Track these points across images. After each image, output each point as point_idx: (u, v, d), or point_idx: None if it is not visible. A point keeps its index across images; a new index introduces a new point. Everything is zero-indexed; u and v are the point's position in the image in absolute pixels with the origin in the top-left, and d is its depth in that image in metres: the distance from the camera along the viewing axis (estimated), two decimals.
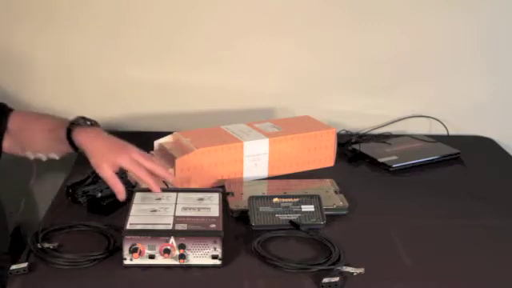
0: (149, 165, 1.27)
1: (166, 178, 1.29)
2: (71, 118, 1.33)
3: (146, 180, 1.25)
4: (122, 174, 1.30)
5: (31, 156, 1.37)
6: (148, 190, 1.28)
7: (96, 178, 1.38)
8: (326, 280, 1.11)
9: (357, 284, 1.13)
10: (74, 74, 1.83)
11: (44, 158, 1.37)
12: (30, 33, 1.77)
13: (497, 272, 1.20)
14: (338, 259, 1.18)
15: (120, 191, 1.24)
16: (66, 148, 1.32)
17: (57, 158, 1.37)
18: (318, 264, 1.17)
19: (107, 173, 1.24)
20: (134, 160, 1.26)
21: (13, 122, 1.36)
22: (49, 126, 1.34)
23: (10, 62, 1.80)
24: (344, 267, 1.16)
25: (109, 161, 1.25)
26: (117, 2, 1.76)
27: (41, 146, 1.35)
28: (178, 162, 1.43)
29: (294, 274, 1.15)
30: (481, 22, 1.84)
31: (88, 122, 1.32)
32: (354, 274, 1.15)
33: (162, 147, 1.54)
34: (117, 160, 1.25)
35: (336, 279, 1.11)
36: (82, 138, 1.28)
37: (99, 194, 1.36)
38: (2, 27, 1.76)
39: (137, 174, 1.25)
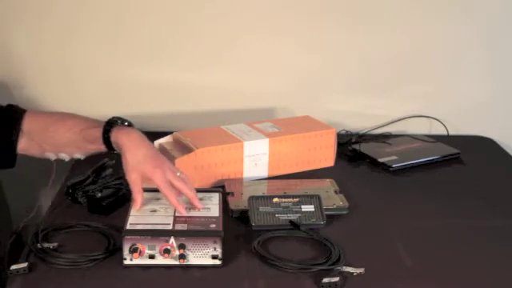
0: (179, 185, 1.25)
1: (193, 203, 1.25)
2: (105, 119, 1.31)
3: (173, 202, 1.23)
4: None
5: (53, 157, 1.35)
6: (148, 191, 1.27)
7: (96, 178, 1.39)
8: (326, 280, 1.11)
9: (357, 284, 1.13)
10: (74, 74, 1.83)
11: (67, 159, 1.35)
12: (29, 33, 1.77)
13: (497, 272, 1.20)
14: (338, 259, 1.18)
15: (137, 202, 1.23)
16: (97, 148, 1.30)
17: (82, 158, 1.36)
18: (318, 264, 1.17)
19: (135, 182, 1.23)
20: (166, 179, 1.24)
21: (28, 123, 1.33)
22: (80, 126, 1.32)
23: (10, 62, 1.80)
24: (344, 267, 1.16)
25: (142, 173, 1.23)
26: (117, 2, 1.76)
27: (67, 145, 1.32)
28: (178, 161, 1.43)
29: (293, 274, 1.15)
30: (481, 22, 1.84)
31: (126, 123, 1.31)
32: (354, 274, 1.15)
33: (162, 147, 1.54)
34: (149, 175, 1.23)
35: (336, 279, 1.11)
36: (123, 139, 1.26)
37: (99, 194, 1.36)
38: (2, 27, 1.76)
39: (165, 194, 1.23)
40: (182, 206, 1.23)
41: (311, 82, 1.88)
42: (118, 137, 1.27)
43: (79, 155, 1.35)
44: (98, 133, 1.28)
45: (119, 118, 1.31)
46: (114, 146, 1.28)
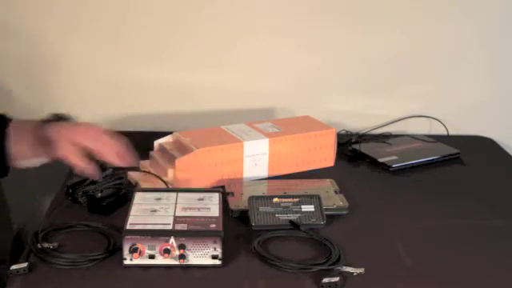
0: (111, 143, 1.21)
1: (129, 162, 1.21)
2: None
3: (111, 159, 1.19)
4: (102, 164, 1.25)
5: (25, 164, 1.29)
6: (148, 191, 1.27)
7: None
8: (326, 280, 1.11)
9: (357, 284, 1.13)
10: (74, 74, 1.83)
11: (37, 164, 1.30)
12: (29, 33, 1.77)
13: (497, 272, 1.20)
14: (338, 259, 1.18)
15: (86, 170, 1.18)
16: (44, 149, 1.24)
17: (45, 161, 1.29)
18: (318, 264, 1.17)
19: (65, 151, 1.17)
20: (96, 138, 1.19)
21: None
22: (30, 130, 1.25)
23: (10, 62, 1.80)
24: (344, 267, 1.16)
25: (67, 138, 1.17)
26: (117, 2, 1.76)
27: (27, 151, 1.26)
28: (177, 161, 1.43)
29: (293, 274, 1.15)
30: (481, 22, 1.84)
31: (62, 119, 1.25)
32: (354, 274, 1.15)
33: (162, 147, 1.54)
34: (76, 137, 1.17)
35: (336, 279, 1.11)
36: (51, 130, 1.20)
37: (99, 194, 1.36)
38: (2, 27, 1.76)
39: (100, 152, 1.18)
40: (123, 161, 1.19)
41: (311, 81, 1.88)
42: (49, 131, 1.20)
43: (42, 159, 1.27)
44: (40, 133, 1.22)
45: (55, 114, 1.25)
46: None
